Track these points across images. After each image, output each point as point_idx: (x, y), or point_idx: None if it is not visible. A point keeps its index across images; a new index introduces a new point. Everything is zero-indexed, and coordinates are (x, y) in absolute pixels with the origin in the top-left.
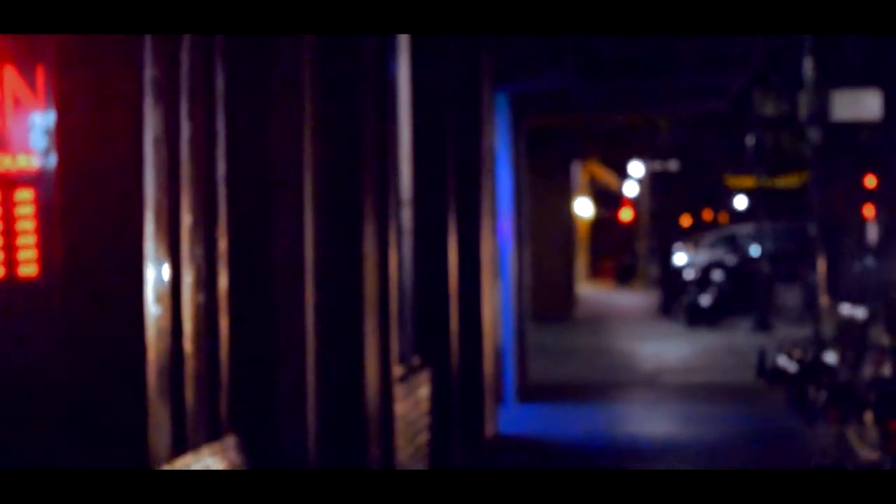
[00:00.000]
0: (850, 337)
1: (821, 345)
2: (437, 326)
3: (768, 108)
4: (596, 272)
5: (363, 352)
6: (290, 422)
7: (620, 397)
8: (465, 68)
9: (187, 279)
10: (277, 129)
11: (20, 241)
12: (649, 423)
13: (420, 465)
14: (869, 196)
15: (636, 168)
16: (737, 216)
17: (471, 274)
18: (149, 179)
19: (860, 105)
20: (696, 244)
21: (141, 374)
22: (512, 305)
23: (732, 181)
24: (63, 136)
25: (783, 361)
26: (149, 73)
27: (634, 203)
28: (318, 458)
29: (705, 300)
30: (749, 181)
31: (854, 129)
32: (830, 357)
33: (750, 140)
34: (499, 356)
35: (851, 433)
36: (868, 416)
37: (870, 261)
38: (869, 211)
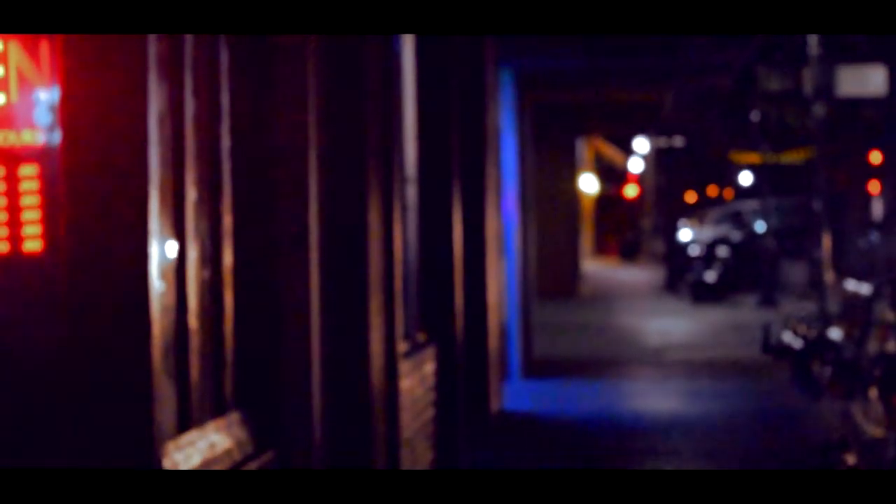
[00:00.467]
0: (855, 313)
1: (826, 321)
2: (442, 303)
3: (773, 84)
4: (601, 248)
5: (368, 328)
6: (294, 398)
7: (625, 374)
8: (469, 45)
9: (192, 255)
10: (281, 105)
11: (24, 216)
12: (654, 399)
13: (425, 442)
14: (874, 172)
15: (641, 144)
16: (742, 192)
17: (475, 250)
18: (153, 155)
19: (865, 81)
20: (702, 220)
21: (146, 349)
22: (517, 282)
23: (737, 157)
24: (67, 112)
25: (788, 337)
26: (153, 48)
27: (639, 179)
28: (322, 434)
29: (710, 276)
30: (754, 157)
31: (859, 104)
32: (835, 333)
33: (755, 116)
34: (504, 332)
35: (856, 409)
36: (873, 392)
37: (875, 237)
38: (874, 187)
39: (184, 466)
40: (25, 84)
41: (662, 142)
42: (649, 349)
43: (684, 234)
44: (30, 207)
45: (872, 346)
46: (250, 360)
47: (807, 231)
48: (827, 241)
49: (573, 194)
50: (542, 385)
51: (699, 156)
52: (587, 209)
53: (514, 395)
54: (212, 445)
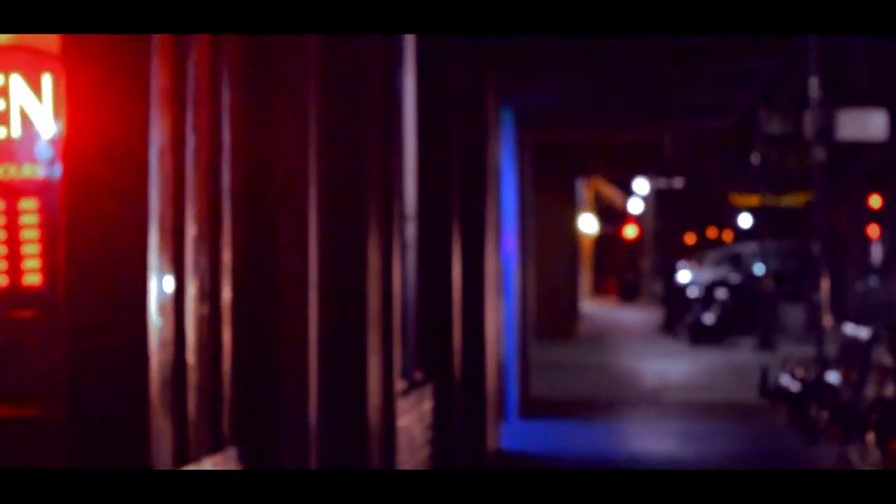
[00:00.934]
0: (853, 357)
1: (824, 364)
2: (440, 341)
3: (773, 127)
4: (600, 289)
5: (366, 366)
6: (292, 434)
7: (622, 415)
8: (470, 83)
9: (191, 290)
10: (282, 142)
11: (24, 250)
12: (650, 441)
13: None
14: (873, 216)
15: (641, 185)
16: (741, 234)
17: (474, 289)
18: (154, 190)
19: (866, 124)
20: (700, 262)
21: (143, 384)
22: (515, 321)
23: (737, 199)
24: (69, 146)
25: (786, 380)
26: (155, 83)
27: (639, 220)
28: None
29: (709, 318)
30: (754, 199)
31: (859, 148)
32: (833, 377)
33: (755, 158)
34: (502, 372)
35: (853, 453)
36: (870, 437)
37: (874, 281)
38: (873, 231)
39: None
40: (27, 118)
41: (662, 183)
42: (647, 390)
43: (683, 276)
44: (30, 241)
45: (870, 391)
46: (248, 397)
47: (805, 274)
48: (825, 285)
49: (573, 234)
50: (540, 425)
51: (699, 197)
52: (586, 249)
53: (511, 434)
54: None
